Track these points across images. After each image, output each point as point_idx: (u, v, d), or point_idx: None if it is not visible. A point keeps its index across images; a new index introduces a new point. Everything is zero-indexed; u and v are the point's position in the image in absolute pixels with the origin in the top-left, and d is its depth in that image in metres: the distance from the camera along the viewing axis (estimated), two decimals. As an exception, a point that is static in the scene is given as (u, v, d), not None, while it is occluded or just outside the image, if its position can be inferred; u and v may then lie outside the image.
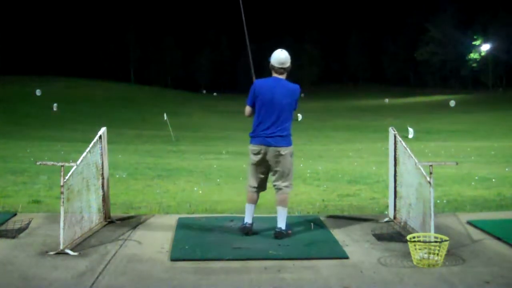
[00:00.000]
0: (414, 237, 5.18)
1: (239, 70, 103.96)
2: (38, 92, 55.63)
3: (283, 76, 5.76)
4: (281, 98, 5.65)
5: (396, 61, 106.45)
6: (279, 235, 5.66)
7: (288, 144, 5.72)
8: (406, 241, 5.23)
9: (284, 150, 5.68)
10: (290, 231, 5.80)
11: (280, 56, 5.72)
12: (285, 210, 5.80)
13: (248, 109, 5.85)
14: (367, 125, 39.27)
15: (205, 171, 13.12)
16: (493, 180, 11.03)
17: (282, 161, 5.70)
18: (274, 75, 5.78)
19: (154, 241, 5.72)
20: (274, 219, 5.92)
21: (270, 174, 5.90)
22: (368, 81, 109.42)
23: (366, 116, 48.75)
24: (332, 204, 8.35)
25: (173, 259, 5.12)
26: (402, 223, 6.30)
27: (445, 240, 5.01)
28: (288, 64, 5.73)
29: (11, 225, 6.16)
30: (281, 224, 5.75)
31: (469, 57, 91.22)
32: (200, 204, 8.22)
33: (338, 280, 4.56)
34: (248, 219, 5.89)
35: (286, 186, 5.79)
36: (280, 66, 5.72)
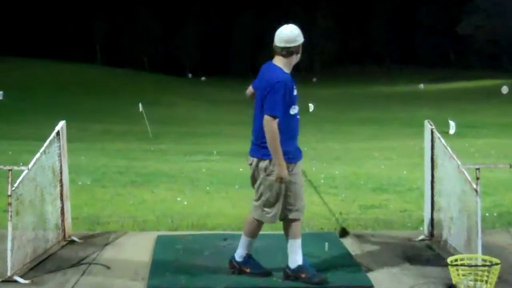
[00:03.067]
0: (456, 260, 5.17)
1: (233, 48, 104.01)
2: (-21, 77, 55.56)
3: (282, 61, 5.30)
4: (259, 92, 5.35)
5: (432, 37, 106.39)
6: (286, 277, 5.44)
7: (264, 155, 5.26)
8: (446, 265, 5.22)
9: (259, 163, 5.29)
10: (303, 274, 5.35)
11: (282, 31, 5.29)
12: (246, 239, 5.58)
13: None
14: (397, 117, 39.23)
15: (192, 176, 13.10)
16: (557, 187, 11.03)
17: (257, 177, 5.35)
18: (274, 58, 5.41)
19: (127, 265, 5.71)
20: (281, 237, 5.87)
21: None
22: (397, 61, 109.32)
23: (395, 106, 48.72)
24: (353, 218, 8.33)
25: (151, 288, 5.12)
26: (441, 242, 6.30)
27: (496, 264, 5.00)
28: (291, 44, 5.24)
29: None
30: (289, 261, 5.48)
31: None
32: (185, 218, 8.21)
33: (361, 314, 4.56)
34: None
35: (252, 210, 5.48)
36: (278, 45, 5.27)
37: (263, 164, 5.26)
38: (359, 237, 6.73)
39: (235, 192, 10.74)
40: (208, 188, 11.43)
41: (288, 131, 5.22)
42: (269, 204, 5.33)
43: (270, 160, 5.21)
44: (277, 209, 5.36)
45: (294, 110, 5.26)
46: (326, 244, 6.34)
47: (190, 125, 36.11)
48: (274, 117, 5.09)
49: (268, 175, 5.25)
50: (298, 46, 5.31)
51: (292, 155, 5.29)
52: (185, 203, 9.74)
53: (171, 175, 13.16)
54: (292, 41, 5.28)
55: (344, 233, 6.63)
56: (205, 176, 13.05)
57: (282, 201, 5.34)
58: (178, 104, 52.22)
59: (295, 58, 5.33)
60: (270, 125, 5.10)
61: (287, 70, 5.29)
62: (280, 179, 5.19)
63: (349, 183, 11.99)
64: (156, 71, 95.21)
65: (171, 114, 43.76)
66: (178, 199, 10.10)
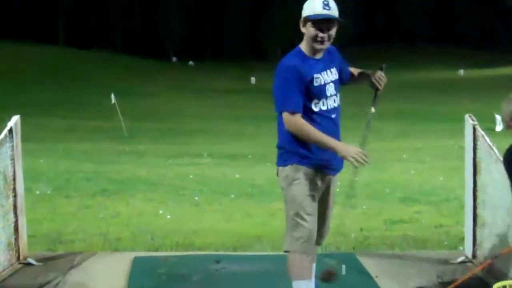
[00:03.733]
0: (504, 287, 5.17)
1: (227, 25, 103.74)
2: None
3: (304, 40, 5.10)
4: None
5: (474, 12, 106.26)
6: None
7: (282, 162, 5.15)
8: (492, 293, 5.23)
9: (279, 172, 5.18)
10: None
11: None
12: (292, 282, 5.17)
13: None
14: (431, 111, 39.29)
15: (176, 183, 13.11)
16: None
17: (282, 191, 5.21)
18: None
19: (96, 294, 5.71)
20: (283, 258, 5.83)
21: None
22: (431, 41, 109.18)
23: (428, 97, 48.74)
24: (376, 236, 8.35)
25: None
26: (485, 265, 6.29)
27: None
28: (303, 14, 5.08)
29: None
30: None
31: None
32: (168, 236, 8.22)
33: None
34: None
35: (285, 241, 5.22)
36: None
37: (283, 173, 5.10)
38: (384, 258, 6.74)
39: (230, 204, 10.76)
40: (196, 198, 11.44)
41: None
42: (295, 224, 5.04)
43: (292, 165, 5.04)
44: (308, 230, 5.04)
45: (318, 105, 5.02)
46: (343, 266, 6.33)
47: (175, 120, 36.09)
48: (292, 112, 4.92)
49: (290, 184, 5.06)
50: (303, 19, 5.07)
51: (309, 160, 5.03)
52: (168, 217, 9.75)
53: (151, 183, 13.17)
54: (303, 10, 5.08)
55: (329, 276, 6.11)
56: (193, 184, 13.06)
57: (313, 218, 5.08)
58: (159, 95, 52.18)
59: (307, 36, 5.05)
60: (291, 123, 4.94)
61: (308, 52, 5.04)
62: (353, 157, 4.88)
63: (372, 192, 11.99)
64: (132, 53, 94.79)
65: (150, 107, 43.75)
66: (160, 212, 10.11)
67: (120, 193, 11.81)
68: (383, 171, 15.56)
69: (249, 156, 18.12)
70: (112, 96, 30.09)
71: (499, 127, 27.83)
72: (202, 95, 52.49)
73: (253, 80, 62.18)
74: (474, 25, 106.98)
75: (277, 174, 5.16)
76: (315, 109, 5.00)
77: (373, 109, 5.23)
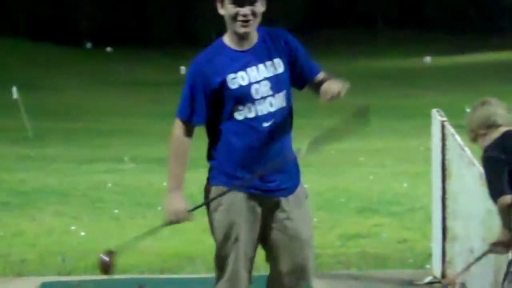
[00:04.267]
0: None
1: (152, 5, 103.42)
2: None
3: None
4: None
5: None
6: None
7: (209, 179, 5.12)
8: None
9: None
10: None
11: None
12: None
13: None
14: (393, 105, 39.62)
15: (92, 194, 13.04)
16: None
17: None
18: None
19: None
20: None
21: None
22: (394, 24, 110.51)
23: (389, 89, 49.21)
24: (329, 254, 8.40)
25: None
26: (456, 286, 6.37)
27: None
28: None
29: None
30: None
31: None
32: (82, 257, 8.20)
33: None
34: None
35: None
36: None
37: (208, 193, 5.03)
38: (338, 279, 6.80)
39: (156, 218, 10.59)
40: (116, 211, 11.39)
41: (230, 148, 4.79)
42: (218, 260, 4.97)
43: (217, 187, 4.90)
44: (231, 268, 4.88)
45: (242, 113, 4.72)
46: None
47: (89, 118, 35.85)
48: (180, 120, 4.89)
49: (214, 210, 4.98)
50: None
51: (230, 178, 4.84)
52: (83, 234, 9.70)
53: (61, 194, 13.08)
54: None
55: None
56: (112, 194, 13.00)
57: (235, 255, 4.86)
58: (71, 88, 51.82)
59: (226, 17, 4.71)
60: (172, 131, 4.97)
61: (231, 41, 4.76)
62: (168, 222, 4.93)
63: (324, 203, 12.04)
64: (38, 38, 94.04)
65: (60, 102, 43.40)
66: (72, 228, 10.04)
67: (24, 206, 11.68)
68: (337, 177, 15.66)
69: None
70: (14, 89, 29.76)
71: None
72: (123, 88, 52.25)
73: (183, 70, 61.76)
74: (442, 6, 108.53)
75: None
76: (239, 117, 4.71)
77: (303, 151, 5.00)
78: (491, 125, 5.11)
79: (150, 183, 14.16)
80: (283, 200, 4.79)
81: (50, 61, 68.09)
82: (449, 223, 6.57)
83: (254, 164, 4.70)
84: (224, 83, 4.63)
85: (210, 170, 4.91)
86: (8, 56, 67.76)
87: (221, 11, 4.67)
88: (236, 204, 4.76)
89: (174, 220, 4.81)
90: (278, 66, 4.73)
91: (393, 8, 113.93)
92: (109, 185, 14.10)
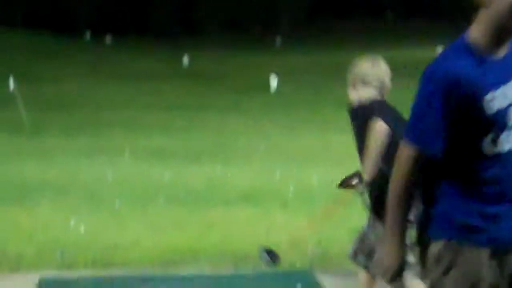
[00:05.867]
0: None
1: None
2: None
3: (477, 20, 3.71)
4: None
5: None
6: None
7: (432, 232, 3.61)
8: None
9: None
10: None
11: None
12: None
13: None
14: (403, 96, 39.72)
15: (91, 188, 13.07)
16: None
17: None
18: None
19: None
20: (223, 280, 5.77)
21: None
22: (405, 14, 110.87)
23: (398, 78, 49.27)
24: (339, 249, 8.30)
25: None
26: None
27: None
28: None
29: None
30: None
31: None
32: (81, 252, 8.20)
33: None
34: None
35: None
36: None
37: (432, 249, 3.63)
38: (348, 276, 6.81)
39: (158, 212, 10.70)
40: (116, 205, 11.39)
41: (475, 186, 3.45)
42: None
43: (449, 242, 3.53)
44: None
45: (497, 144, 3.44)
46: (299, 286, 6.37)
47: (88, 110, 35.94)
48: (410, 144, 3.51)
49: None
50: None
51: (479, 233, 3.46)
52: (82, 228, 9.64)
53: (59, 187, 13.09)
54: None
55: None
56: (112, 188, 13.02)
57: None
58: (69, 79, 51.94)
59: (496, 9, 3.50)
60: (398, 157, 3.54)
61: (485, 43, 3.53)
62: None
63: (334, 196, 11.95)
64: (35, 27, 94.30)
65: (59, 93, 43.50)
66: (72, 222, 9.97)
67: (20, 200, 11.67)
68: (346, 170, 15.50)
69: (181, 153, 18.16)
70: (10, 80, 29.89)
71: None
72: (123, 79, 52.38)
73: (185, 60, 61.97)
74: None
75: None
76: (491, 150, 3.45)
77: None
78: None
79: (150, 177, 14.18)
80: None
81: (47, 52, 68.37)
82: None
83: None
84: (481, 101, 3.45)
85: (432, 219, 3.64)
86: (4, 47, 68.11)
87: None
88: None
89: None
90: None
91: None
92: (109, 178, 14.10)
